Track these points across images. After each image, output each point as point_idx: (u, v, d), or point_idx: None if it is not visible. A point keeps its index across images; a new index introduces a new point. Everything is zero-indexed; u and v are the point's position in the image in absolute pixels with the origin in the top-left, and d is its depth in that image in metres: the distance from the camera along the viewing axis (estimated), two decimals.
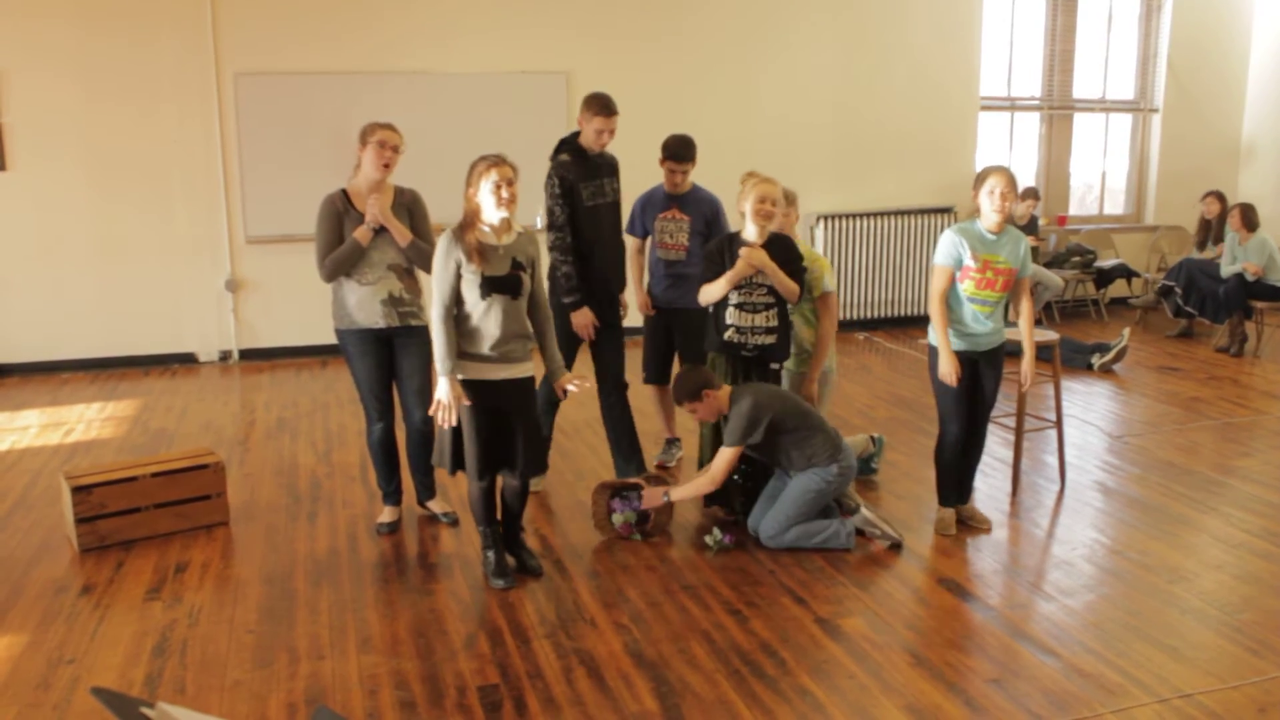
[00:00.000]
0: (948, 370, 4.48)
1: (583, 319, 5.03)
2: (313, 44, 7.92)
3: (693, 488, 4.55)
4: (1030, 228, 9.20)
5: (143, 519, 4.62)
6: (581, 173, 5.00)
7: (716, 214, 5.37)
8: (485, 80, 8.26)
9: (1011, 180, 4.40)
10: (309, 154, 7.89)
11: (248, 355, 8.22)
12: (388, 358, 4.60)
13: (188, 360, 8.15)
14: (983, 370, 4.63)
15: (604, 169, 5.14)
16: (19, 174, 7.56)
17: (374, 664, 3.57)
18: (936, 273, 4.52)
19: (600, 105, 4.96)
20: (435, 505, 4.92)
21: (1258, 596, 4.07)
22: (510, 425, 4.09)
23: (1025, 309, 4.67)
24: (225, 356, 8.22)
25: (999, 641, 3.72)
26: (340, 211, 4.49)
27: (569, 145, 5.08)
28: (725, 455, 4.45)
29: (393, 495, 4.84)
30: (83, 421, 6.54)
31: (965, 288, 4.47)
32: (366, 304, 4.47)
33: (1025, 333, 4.71)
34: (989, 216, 4.42)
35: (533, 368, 4.19)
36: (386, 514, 4.82)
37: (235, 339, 8.19)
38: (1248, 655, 3.61)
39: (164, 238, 7.91)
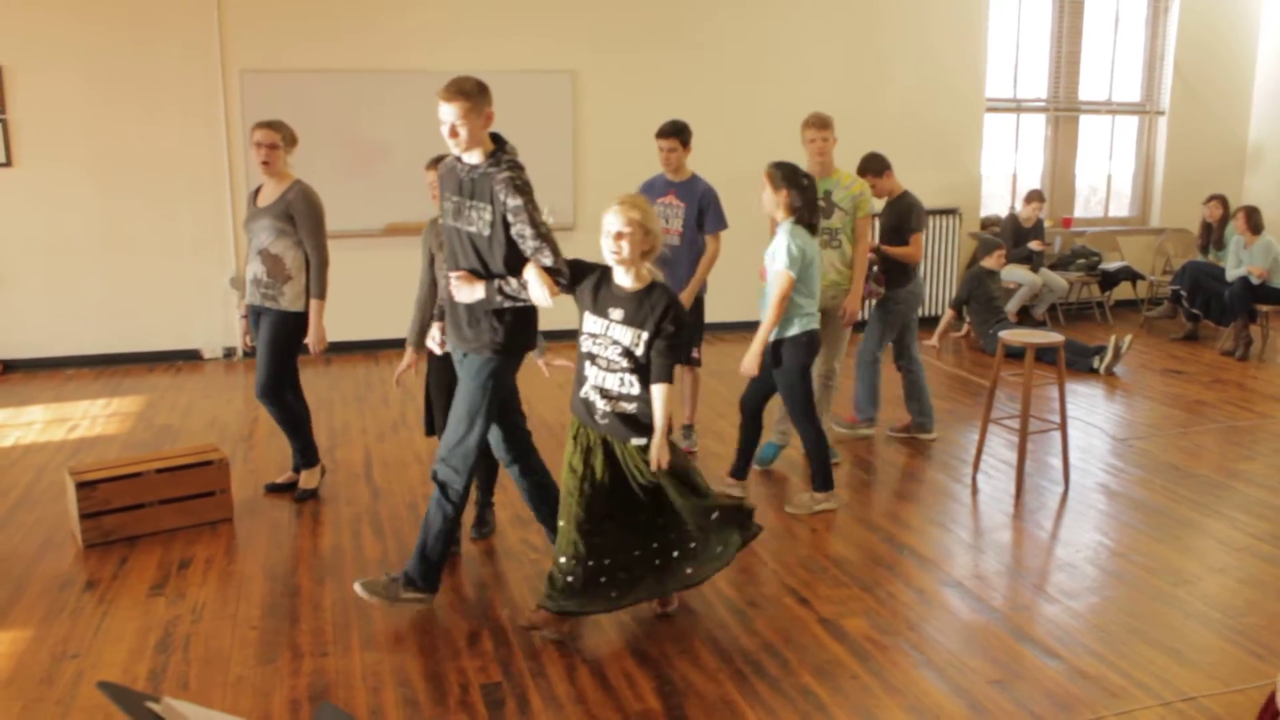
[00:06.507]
0: None
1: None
2: (318, 42, 7.92)
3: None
4: (1036, 230, 9.20)
5: (147, 515, 4.63)
6: (444, 181, 3.88)
7: (709, 203, 5.57)
8: (490, 79, 8.11)
9: (768, 174, 4.81)
10: (313, 152, 7.86)
11: (252, 352, 8.21)
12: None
13: (192, 357, 8.16)
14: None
15: (467, 185, 3.73)
16: (24, 170, 7.57)
17: (377, 661, 3.57)
18: None
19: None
20: (287, 477, 5.27)
21: (1261, 600, 4.06)
22: None
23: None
24: (230, 353, 8.23)
25: (1002, 643, 3.72)
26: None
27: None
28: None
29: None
30: (87, 418, 6.55)
31: None
32: (247, 281, 5.04)
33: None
34: None
35: None
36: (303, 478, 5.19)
37: (240, 336, 8.20)
38: (1250, 659, 3.61)
39: (169, 234, 7.92)
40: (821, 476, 4.97)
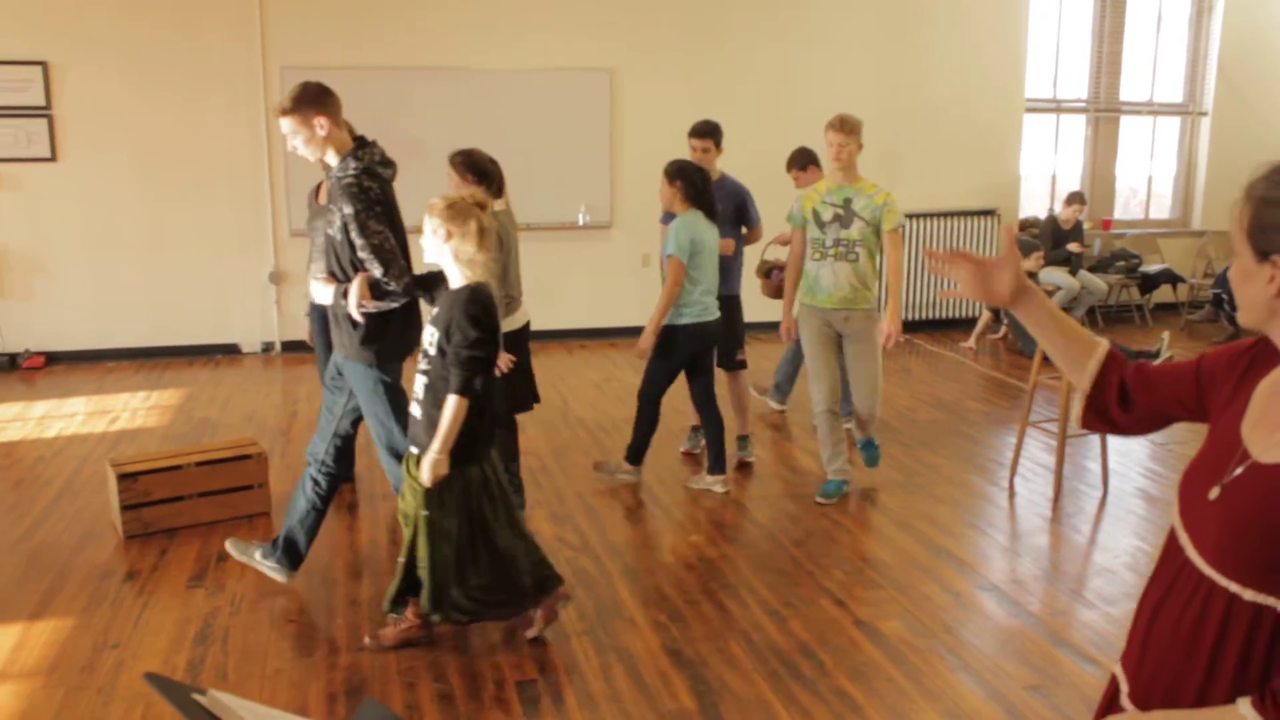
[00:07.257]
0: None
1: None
2: (358, 39, 7.98)
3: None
4: (1075, 232, 9.11)
5: (186, 507, 4.68)
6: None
7: (745, 202, 5.56)
8: (528, 77, 8.29)
9: (664, 171, 4.98)
10: None
11: (290, 347, 8.29)
12: (324, 333, 4.82)
13: (231, 351, 8.24)
14: None
15: (330, 187, 3.79)
16: (69, 165, 7.68)
17: (413, 656, 3.59)
18: None
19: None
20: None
21: None
22: None
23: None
24: (268, 348, 8.31)
25: (1039, 648, 3.69)
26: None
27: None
28: None
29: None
30: (128, 410, 6.64)
31: None
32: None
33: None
34: None
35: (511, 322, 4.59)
36: None
37: (278, 331, 8.27)
38: None
39: (209, 229, 8.01)
40: (633, 452, 5.22)
